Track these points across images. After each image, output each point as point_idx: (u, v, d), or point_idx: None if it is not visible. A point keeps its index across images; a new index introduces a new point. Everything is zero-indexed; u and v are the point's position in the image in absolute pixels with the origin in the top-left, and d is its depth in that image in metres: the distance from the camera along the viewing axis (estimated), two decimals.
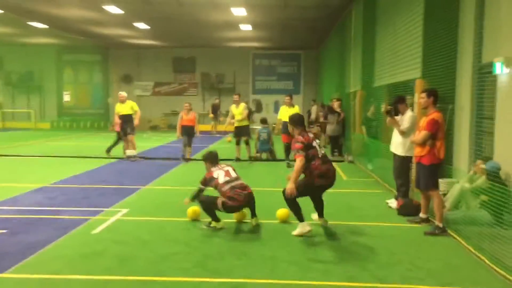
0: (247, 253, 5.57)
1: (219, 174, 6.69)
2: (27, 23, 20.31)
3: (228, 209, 6.53)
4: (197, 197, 6.66)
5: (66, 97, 29.80)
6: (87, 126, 28.62)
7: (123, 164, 13.02)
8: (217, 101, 26.35)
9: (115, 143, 14.17)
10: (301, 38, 24.31)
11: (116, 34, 23.71)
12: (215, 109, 25.44)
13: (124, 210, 7.53)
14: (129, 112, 13.62)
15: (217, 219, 6.60)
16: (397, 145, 7.81)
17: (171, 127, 25.43)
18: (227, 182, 6.58)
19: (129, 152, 13.70)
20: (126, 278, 4.73)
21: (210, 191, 6.77)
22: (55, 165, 12.81)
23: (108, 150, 14.14)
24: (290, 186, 6.02)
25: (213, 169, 6.80)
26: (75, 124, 28.81)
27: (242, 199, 6.54)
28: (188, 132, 13.54)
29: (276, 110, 28.54)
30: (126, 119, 13.58)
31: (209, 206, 6.57)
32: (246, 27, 20.76)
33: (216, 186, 6.60)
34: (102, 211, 7.47)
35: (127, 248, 5.69)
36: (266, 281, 4.71)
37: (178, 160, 13.65)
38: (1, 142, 17.96)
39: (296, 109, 12.30)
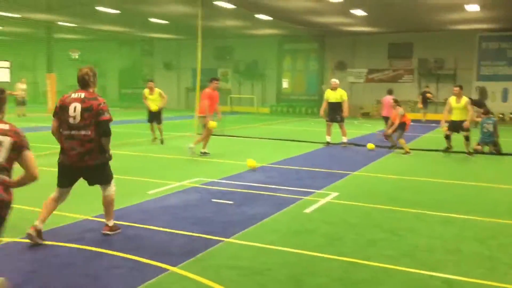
0: (461, 249, 5.21)
1: None
2: (255, 16, 22.23)
3: None
4: None
5: (285, 84, 31.86)
6: (302, 111, 30.08)
7: (333, 150, 13.35)
8: (427, 89, 25.26)
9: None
10: None
11: (333, 22, 24.22)
12: (425, 97, 24.36)
13: (334, 194, 7.76)
14: (338, 100, 13.76)
15: None
16: None
17: None
18: None
19: (343, 139, 13.92)
20: (334, 257, 4.90)
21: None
22: (273, 146, 13.86)
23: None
24: None
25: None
26: (291, 109, 30.58)
27: None
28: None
29: (505, 98, 25.62)
30: (335, 107, 13.81)
31: None
32: (472, 7, 18.96)
33: None
34: (314, 192, 7.83)
35: (335, 229, 5.89)
36: (482, 281, 4.34)
37: (389, 149, 13.23)
38: (229, 124, 20.14)
39: None
